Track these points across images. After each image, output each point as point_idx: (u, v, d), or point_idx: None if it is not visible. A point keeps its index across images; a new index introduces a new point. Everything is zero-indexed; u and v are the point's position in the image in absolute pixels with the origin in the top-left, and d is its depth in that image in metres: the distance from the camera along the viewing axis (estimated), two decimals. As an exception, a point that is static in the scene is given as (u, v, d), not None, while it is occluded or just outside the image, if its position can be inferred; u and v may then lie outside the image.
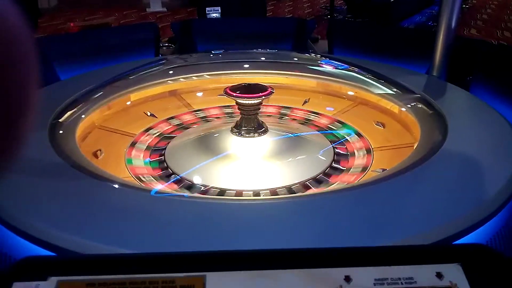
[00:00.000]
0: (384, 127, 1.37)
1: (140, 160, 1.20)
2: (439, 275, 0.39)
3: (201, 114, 1.49)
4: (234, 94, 1.18)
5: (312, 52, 1.93)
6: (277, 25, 2.20)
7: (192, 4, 6.29)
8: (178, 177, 1.11)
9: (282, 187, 1.06)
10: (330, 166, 1.15)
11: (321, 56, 1.79)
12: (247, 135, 1.22)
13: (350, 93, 1.55)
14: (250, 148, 1.21)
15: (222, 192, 1.04)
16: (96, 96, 1.39)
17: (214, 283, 0.39)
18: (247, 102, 1.19)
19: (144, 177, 1.11)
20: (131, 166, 1.17)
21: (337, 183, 1.09)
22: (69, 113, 1.25)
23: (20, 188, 0.86)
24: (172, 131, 1.37)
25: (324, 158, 1.19)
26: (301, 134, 1.32)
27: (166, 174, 1.13)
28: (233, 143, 1.21)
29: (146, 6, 6.74)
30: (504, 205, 0.84)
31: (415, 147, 1.11)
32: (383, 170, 1.09)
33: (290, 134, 1.29)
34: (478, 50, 1.57)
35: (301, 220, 0.78)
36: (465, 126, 1.15)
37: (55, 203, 0.83)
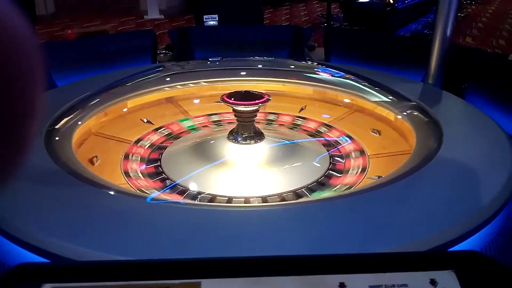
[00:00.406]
0: (380, 134, 1.38)
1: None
2: (433, 282, 0.40)
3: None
4: (231, 101, 1.19)
5: (308, 60, 1.94)
6: (274, 33, 2.21)
7: (189, 11, 6.32)
8: (174, 183, 1.11)
9: (276, 194, 1.06)
10: (327, 171, 1.16)
11: (318, 63, 1.80)
12: (243, 142, 1.22)
13: (346, 100, 1.55)
14: (247, 155, 1.21)
15: (213, 198, 1.04)
16: (93, 102, 1.38)
17: (209, 290, 0.39)
18: (243, 109, 1.20)
19: (136, 181, 1.11)
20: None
21: (335, 189, 1.09)
22: (65, 119, 1.25)
23: (15, 195, 0.86)
24: (163, 141, 1.35)
25: (320, 165, 1.19)
26: (298, 141, 1.32)
27: (162, 180, 1.13)
28: (229, 150, 1.21)
29: (143, 14, 6.76)
30: (499, 212, 0.84)
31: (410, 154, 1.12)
32: (379, 177, 1.09)
33: (287, 141, 1.29)
34: (473, 58, 1.58)
35: (297, 227, 0.78)
36: (460, 134, 1.16)
37: (50, 209, 0.83)
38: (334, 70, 1.66)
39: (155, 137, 1.36)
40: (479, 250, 0.81)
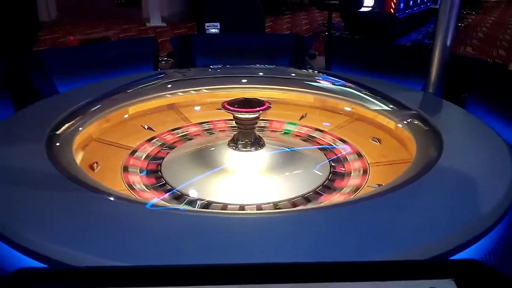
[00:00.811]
0: (380, 142, 1.38)
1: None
2: (432, 291, 0.39)
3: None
4: (232, 109, 1.19)
5: (309, 68, 1.95)
6: (275, 41, 2.23)
7: (191, 19, 6.36)
8: (174, 190, 1.11)
9: (286, 200, 1.06)
10: (328, 178, 1.16)
11: (319, 72, 1.81)
12: (244, 149, 1.22)
13: (347, 109, 1.56)
14: (247, 162, 1.21)
15: (209, 204, 1.04)
16: (94, 108, 1.39)
17: (208, 297, 0.39)
18: (244, 116, 1.20)
19: (136, 185, 1.11)
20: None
21: (334, 198, 1.09)
22: (66, 125, 1.25)
23: (15, 199, 0.86)
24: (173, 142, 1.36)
25: (321, 173, 1.19)
26: (298, 148, 1.32)
27: (162, 187, 1.13)
28: (230, 157, 1.21)
29: (146, 21, 6.81)
30: (499, 221, 0.84)
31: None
32: (379, 185, 1.09)
33: (287, 149, 1.29)
34: (473, 68, 1.59)
35: (295, 235, 0.78)
36: (460, 143, 1.16)
37: (50, 215, 0.83)
38: (335, 79, 1.67)
39: (153, 147, 1.37)
40: (480, 259, 0.81)
